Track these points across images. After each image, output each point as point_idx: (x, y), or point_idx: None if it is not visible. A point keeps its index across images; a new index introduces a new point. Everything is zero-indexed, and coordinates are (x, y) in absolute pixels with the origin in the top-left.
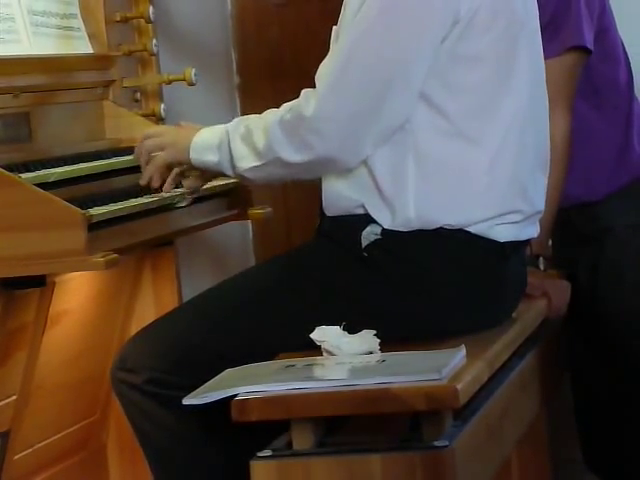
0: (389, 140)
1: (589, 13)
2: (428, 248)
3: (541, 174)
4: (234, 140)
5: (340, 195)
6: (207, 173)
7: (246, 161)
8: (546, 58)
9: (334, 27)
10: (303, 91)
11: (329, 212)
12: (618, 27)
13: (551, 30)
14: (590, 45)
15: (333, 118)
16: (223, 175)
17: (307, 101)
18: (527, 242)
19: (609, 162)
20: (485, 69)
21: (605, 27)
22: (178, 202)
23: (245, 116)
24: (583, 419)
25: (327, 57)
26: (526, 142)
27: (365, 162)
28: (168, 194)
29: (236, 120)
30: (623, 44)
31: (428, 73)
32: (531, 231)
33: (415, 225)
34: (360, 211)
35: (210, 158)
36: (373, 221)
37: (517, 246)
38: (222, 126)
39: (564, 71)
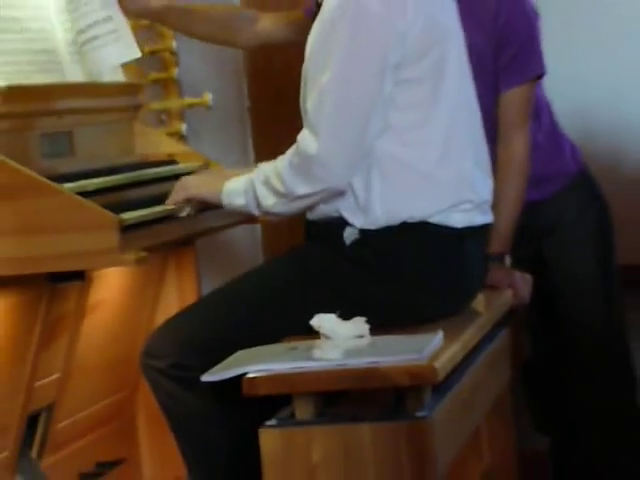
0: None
1: (540, 39)
2: (398, 241)
3: (481, 169)
4: (257, 186)
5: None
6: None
7: (269, 201)
8: (510, 87)
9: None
10: (299, 136)
11: (311, 216)
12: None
13: (517, 63)
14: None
15: (336, 150)
16: (248, 214)
17: (307, 142)
18: (482, 228)
19: (545, 165)
20: (424, 87)
21: None
22: (179, 213)
23: (263, 164)
24: (532, 387)
25: (309, 92)
26: (465, 142)
27: None
28: (173, 206)
29: (257, 169)
30: None
31: None
32: (483, 218)
33: (382, 222)
34: (336, 214)
35: (239, 202)
36: (348, 223)
37: (472, 231)
38: (246, 175)
39: (526, 97)
